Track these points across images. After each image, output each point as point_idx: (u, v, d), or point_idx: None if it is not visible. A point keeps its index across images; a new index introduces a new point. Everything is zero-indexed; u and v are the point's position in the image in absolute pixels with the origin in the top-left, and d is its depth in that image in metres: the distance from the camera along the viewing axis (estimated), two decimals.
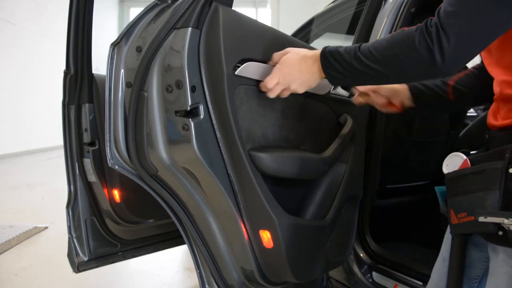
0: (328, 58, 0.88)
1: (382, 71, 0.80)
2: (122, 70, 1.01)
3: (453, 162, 0.80)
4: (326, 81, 1.20)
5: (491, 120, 0.82)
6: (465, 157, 0.79)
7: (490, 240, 0.74)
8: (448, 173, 0.81)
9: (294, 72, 0.94)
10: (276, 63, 0.98)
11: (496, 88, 0.83)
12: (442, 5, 0.71)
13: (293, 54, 0.96)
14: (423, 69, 0.74)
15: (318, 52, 0.92)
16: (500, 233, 0.69)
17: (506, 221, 0.67)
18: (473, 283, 0.82)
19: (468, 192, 0.75)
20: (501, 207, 0.70)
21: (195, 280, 2.21)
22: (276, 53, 1.00)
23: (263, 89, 1.00)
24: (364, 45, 0.83)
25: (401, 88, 1.16)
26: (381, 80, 0.89)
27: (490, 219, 0.69)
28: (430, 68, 0.72)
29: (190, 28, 0.93)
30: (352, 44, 1.72)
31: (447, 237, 0.89)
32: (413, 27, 0.74)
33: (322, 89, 1.20)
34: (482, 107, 2.94)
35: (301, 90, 0.97)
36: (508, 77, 0.77)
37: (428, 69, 0.72)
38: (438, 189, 0.87)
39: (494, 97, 0.84)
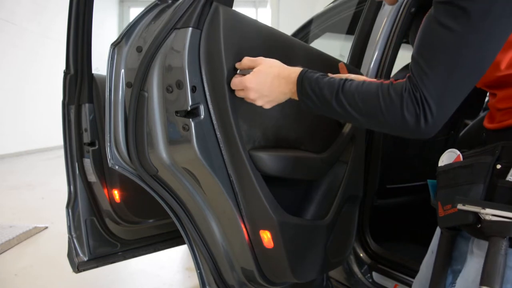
0: (306, 87, 0.83)
1: (361, 120, 0.77)
2: (123, 70, 1.01)
3: (448, 158, 0.82)
4: None
5: (486, 124, 0.84)
6: (458, 152, 0.80)
7: (470, 232, 0.75)
8: (439, 167, 0.83)
9: (263, 89, 0.89)
10: (245, 68, 0.94)
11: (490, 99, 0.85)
12: (414, 65, 0.70)
13: (266, 67, 0.90)
14: (405, 131, 0.73)
15: (294, 73, 0.86)
16: (479, 225, 0.70)
17: (482, 210, 0.68)
18: (458, 276, 0.82)
19: (455, 185, 0.77)
20: (483, 200, 0.71)
21: (195, 280, 2.22)
22: (247, 58, 0.95)
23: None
24: (347, 85, 0.78)
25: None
26: (355, 124, 0.85)
27: (468, 207, 0.70)
28: (414, 132, 0.71)
29: (190, 28, 0.93)
30: (352, 45, 1.73)
31: (438, 231, 0.91)
32: (402, 83, 0.72)
33: None
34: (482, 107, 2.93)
35: (267, 106, 0.93)
36: (497, 97, 0.79)
37: (411, 132, 0.72)
38: (430, 182, 0.89)
39: (488, 104, 0.85)
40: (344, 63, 1.32)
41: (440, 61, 0.68)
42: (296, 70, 0.87)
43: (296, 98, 0.87)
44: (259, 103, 0.92)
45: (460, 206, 0.72)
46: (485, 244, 0.70)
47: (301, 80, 0.84)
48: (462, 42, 0.66)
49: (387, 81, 0.75)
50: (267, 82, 0.89)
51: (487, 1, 0.64)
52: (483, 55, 0.67)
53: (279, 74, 0.89)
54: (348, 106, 0.77)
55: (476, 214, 0.70)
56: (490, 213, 0.68)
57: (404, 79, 0.72)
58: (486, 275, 0.66)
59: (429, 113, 0.68)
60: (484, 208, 0.68)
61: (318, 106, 0.83)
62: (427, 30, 0.70)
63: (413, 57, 0.72)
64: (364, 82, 0.78)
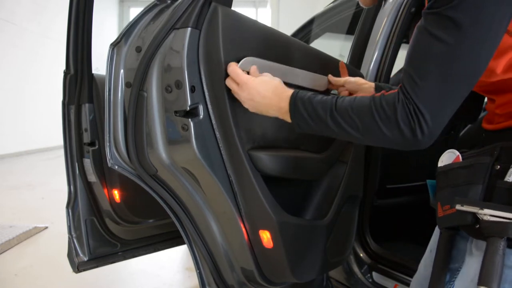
0: (299, 108, 0.82)
1: (357, 136, 0.77)
2: (122, 70, 1.02)
3: (448, 158, 0.82)
4: (325, 78, 1.21)
5: (485, 125, 0.84)
6: (458, 153, 0.80)
7: (470, 233, 0.75)
8: (439, 167, 0.83)
9: (256, 96, 0.90)
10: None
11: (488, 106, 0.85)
12: (405, 76, 0.70)
13: (269, 79, 0.91)
14: (403, 144, 0.72)
15: (287, 92, 0.86)
16: (477, 226, 0.70)
17: (480, 211, 0.69)
18: (455, 275, 0.82)
19: (455, 185, 0.77)
20: (482, 201, 0.71)
21: (195, 280, 2.22)
22: (256, 73, 0.95)
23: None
24: (341, 102, 0.78)
25: (368, 86, 1.19)
26: (354, 141, 0.84)
27: (466, 208, 0.70)
28: (412, 144, 0.71)
29: (189, 28, 0.93)
30: (352, 45, 1.73)
31: (437, 229, 0.91)
32: (394, 95, 0.71)
33: (322, 85, 1.20)
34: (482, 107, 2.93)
35: (251, 110, 0.94)
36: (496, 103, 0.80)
37: (409, 144, 0.72)
38: (429, 182, 0.89)
39: (486, 107, 0.86)
40: (344, 63, 1.32)
41: (432, 71, 0.68)
42: (289, 90, 0.87)
43: (286, 118, 0.87)
44: (245, 105, 0.93)
45: (458, 207, 0.71)
46: (484, 244, 0.70)
47: (294, 101, 0.84)
48: (453, 52, 0.66)
49: (378, 94, 0.74)
50: (262, 91, 0.89)
51: (475, 10, 0.64)
52: (474, 64, 0.68)
53: (276, 88, 0.89)
54: (344, 123, 0.77)
55: (474, 215, 0.70)
56: (488, 214, 0.68)
57: (395, 90, 0.72)
58: (484, 275, 0.66)
59: (424, 124, 0.68)
60: (482, 208, 0.68)
61: (312, 126, 0.82)
62: (418, 41, 0.70)
63: (404, 69, 0.72)
64: (356, 97, 0.78)
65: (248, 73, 0.95)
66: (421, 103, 0.68)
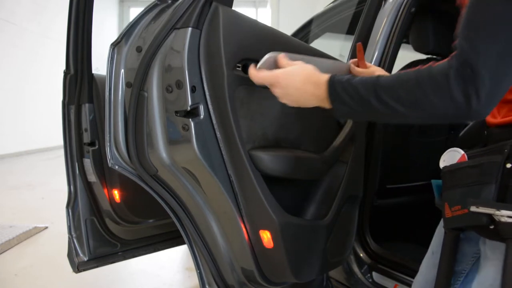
0: (338, 90, 0.76)
1: (406, 113, 0.69)
2: (122, 70, 1.02)
3: (450, 157, 0.80)
4: (346, 66, 1.14)
5: (489, 119, 0.81)
6: (462, 152, 0.78)
7: (482, 234, 0.73)
8: (445, 166, 0.80)
9: (289, 89, 0.84)
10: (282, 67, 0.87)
11: None
12: (464, 41, 0.64)
13: (299, 68, 0.85)
14: (456, 113, 0.66)
15: (324, 77, 0.80)
16: (492, 226, 0.68)
17: (497, 212, 0.66)
18: (459, 277, 0.82)
19: (464, 185, 0.74)
20: (495, 201, 0.69)
21: (195, 280, 2.21)
22: (284, 58, 0.88)
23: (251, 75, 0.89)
24: (383, 79, 0.72)
25: None
26: (399, 120, 0.78)
27: (482, 209, 0.68)
28: (466, 114, 0.65)
29: (190, 28, 0.93)
30: (352, 44, 1.73)
31: (439, 231, 0.89)
32: (444, 63, 0.66)
33: (344, 72, 1.15)
34: None
35: (292, 105, 0.87)
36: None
37: (463, 115, 0.65)
38: (434, 182, 0.87)
39: None
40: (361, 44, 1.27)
41: (491, 31, 0.62)
42: (324, 75, 0.82)
43: (325, 105, 0.80)
44: (283, 100, 0.87)
45: (473, 208, 0.68)
46: (499, 246, 0.68)
47: (332, 84, 0.78)
48: None
49: (425, 66, 0.69)
50: (295, 82, 0.84)
51: None
52: None
53: (309, 77, 0.83)
54: (391, 100, 0.70)
55: (490, 216, 0.68)
56: (506, 215, 0.65)
57: (445, 60, 0.67)
58: (508, 280, 0.64)
59: (482, 88, 0.61)
60: (499, 209, 0.66)
61: (354, 109, 0.76)
62: (473, 6, 0.64)
63: (459, 35, 0.66)
64: (399, 73, 0.73)
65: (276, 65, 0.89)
66: (479, 64, 0.61)
